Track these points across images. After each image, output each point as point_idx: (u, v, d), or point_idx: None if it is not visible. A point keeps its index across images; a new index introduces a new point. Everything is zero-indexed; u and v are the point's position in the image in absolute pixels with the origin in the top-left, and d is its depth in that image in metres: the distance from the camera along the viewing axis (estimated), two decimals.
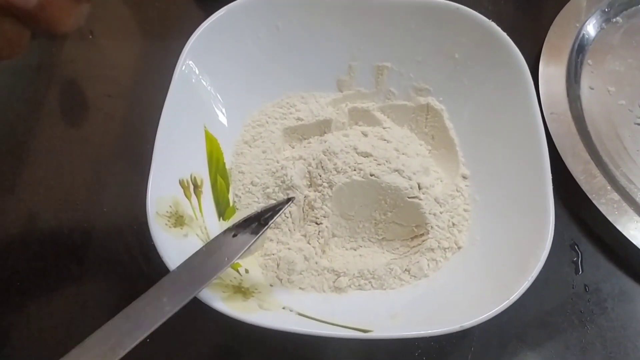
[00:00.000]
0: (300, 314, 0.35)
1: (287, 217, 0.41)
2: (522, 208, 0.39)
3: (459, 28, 0.46)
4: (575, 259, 0.45)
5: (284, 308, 0.36)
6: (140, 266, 0.44)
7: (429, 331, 0.33)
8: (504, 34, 0.44)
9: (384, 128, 0.47)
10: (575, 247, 0.45)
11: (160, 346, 0.40)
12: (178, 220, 0.37)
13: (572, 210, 0.47)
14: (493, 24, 0.45)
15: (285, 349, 0.40)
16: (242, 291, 0.36)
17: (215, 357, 0.41)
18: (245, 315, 0.33)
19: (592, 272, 0.44)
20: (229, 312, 0.33)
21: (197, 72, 0.43)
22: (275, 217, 0.35)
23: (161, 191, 0.37)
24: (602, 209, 0.44)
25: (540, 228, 0.36)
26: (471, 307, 0.35)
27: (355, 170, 0.42)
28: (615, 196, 0.45)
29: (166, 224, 0.36)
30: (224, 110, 0.46)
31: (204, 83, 0.44)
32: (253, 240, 0.34)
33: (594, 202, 0.45)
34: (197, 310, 0.33)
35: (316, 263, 0.40)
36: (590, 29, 0.56)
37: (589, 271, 0.44)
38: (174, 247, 0.35)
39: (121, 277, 0.44)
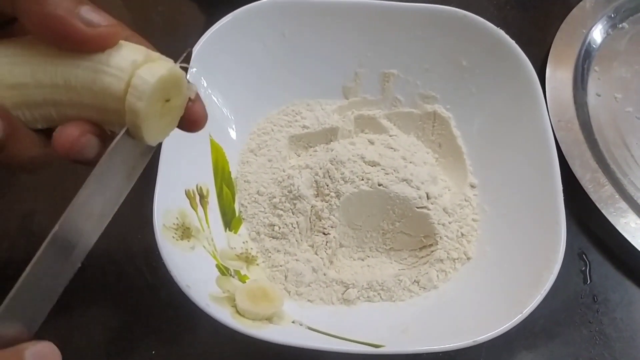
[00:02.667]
0: (310, 328, 0.35)
1: (295, 228, 0.41)
2: (533, 219, 0.39)
3: (467, 35, 0.45)
4: (583, 268, 0.45)
5: (293, 322, 0.35)
6: (145, 276, 0.43)
7: (442, 346, 0.32)
8: (513, 42, 0.44)
9: (390, 136, 0.47)
10: (584, 256, 0.45)
11: None
12: (185, 232, 0.37)
13: (580, 219, 0.46)
14: (501, 32, 0.44)
15: None
16: None
17: None
18: (255, 330, 0.33)
19: (601, 281, 0.44)
20: (239, 327, 0.32)
21: (202, 79, 0.43)
22: None
23: (168, 203, 0.36)
24: (611, 218, 0.44)
25: (551, 240, 0.36)
26: (483, 321, 0.34)
27: (363, 179, 0.41)
28: (624, 205, 0.45)
29: (173, 237, 0.36)
30: (229, 118, 0.45)
31: (209, 91, 0.43)
32: None
33: (603, 211, 0.44)
34: (206, 325, 0.32)
35: (324, 275, 0.39)
36: (597, 34, 0.56)
37: (598, 281, 0.44)
38: (182, 261, 0.34)
39: (125, 287, 0.43)
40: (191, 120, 0.27)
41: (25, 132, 0.24)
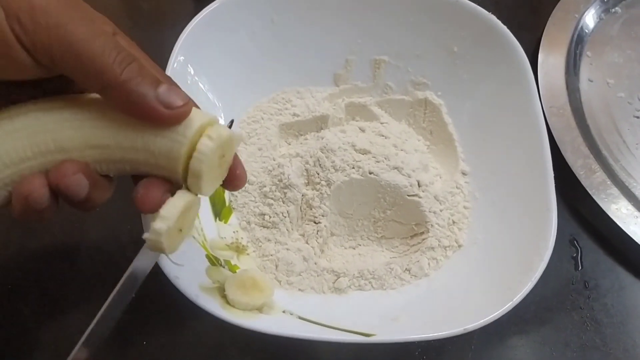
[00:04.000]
0: (301, 318, 0.35)
1: (285, 217, 0.41)
2: (524, 206, 0.39)
3: (459, 21, 0.45)
4: (574, 254, 0.45)
5: (284, 312, 0.35)
6: None
7: (432, 334, 0.32)
8: (505, 28, 0.43)
9: (381, 123, 0.47)
10: (575, 242, 0.45)
11: (157, 351, 0.39)
12: None
13: (571, 205, 0.46)
14: (493, 17, 0.44)
15: (284, 349, 0.40)
16: None
17: None
18: (246, 320, 0.32)
19: (592, 268, 0.44)
20: (229, 318, 0.32)
21: (189, 68, 0.42)
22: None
23: None
24: (602, 204, 0.44)
25: (543, 227, 0.36)
26: (474, 308, 0.34)
27: (353, 168, 0.41)
28: (615, 191, 0.45)
29: None
30: (217, 106, 0.45)
31: (197, 79, 0.43)
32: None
33: (594, 197, 0.44)
34: (197, 315, 0.32)
35: (315, 264, 0.39)
36: (589, 19, 0.55)
37: (589, 267, 0.44)
38: None
39: (115, 277, 0.42)
40: (235, 183, 0.30)
41: (102, 182, 0.27)
